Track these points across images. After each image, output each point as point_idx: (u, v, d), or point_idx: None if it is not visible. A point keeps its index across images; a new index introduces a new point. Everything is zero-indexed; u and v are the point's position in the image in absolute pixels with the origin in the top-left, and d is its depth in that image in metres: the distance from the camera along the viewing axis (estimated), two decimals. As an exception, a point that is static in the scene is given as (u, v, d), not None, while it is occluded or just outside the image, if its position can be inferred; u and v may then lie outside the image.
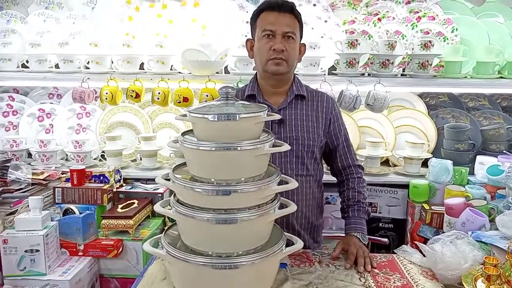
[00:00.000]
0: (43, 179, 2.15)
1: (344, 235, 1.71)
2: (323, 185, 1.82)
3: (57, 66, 2.62)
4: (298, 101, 1.72)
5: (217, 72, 2.52)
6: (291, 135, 1.67)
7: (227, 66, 2.59)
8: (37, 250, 1.70)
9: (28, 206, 1.81)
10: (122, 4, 2.69)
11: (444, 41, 2.55)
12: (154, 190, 2.26)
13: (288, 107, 1.70)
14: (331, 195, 2.48)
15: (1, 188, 1.96)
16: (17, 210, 1.89)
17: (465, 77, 2.50)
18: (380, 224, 2.48)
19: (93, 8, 2.74)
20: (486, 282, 1.31)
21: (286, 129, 1.67)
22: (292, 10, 1.62)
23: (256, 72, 1.76)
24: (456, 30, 2.57)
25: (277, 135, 1.63)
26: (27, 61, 2.64)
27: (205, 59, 2.37)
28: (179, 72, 2.57)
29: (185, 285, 1.23)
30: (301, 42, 1.70)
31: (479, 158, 2.39)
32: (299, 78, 1.78)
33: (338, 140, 1.76)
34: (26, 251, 1.70)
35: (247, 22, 2.62)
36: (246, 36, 2.60)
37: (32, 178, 2.11)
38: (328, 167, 1.87)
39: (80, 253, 1.88)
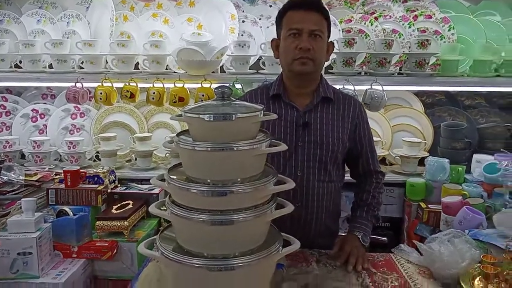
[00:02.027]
0: (36, 181, 2.12)
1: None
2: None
3: (50, 66, 2.60)
4: (324, 104, 1.65)
5: (213, 72, 2.50)
6: (315, 139, 1.61)
7: (223, 65, 2.58)
8: (30, 253, 1.68)
9: (20, 208, 1.78)
10: (117, 3, 2.67)
11: (441, 39, 2.54)
12: (149, 190, 2.24)
13: (314, 110, 1.63)
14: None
15: (-6, 190, 1.93)
16: (9, 212, 1.87)
17: (462, 75, 2.50)
18: (378, 223, 2.47)
19: (87, 8, 2.71)
20: (483, 280, 1.31)
21: (311, 133, 1.61)
22: (319, 8, 1.56)
23: (282, 72, 1.69)
24: (453, 28, 2.56)
25: (301, 139, 1.61)
26: (20, 61, 2.61)
27: (200, 59, 2.35)
28: (175, 72, 2.55)
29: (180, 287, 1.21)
30: (329, 41, 1.63)
31: (476, 156, 2.39)
32: (326, 79, 1.71)
33: (363, 146, 1.71)
34: (18, 253, 1.67)
35: (243, 21, 2.62)
36: (242, 35, 2.59)
37: (25, 180, 2.08)
38: (348, 169, 1.83)
39: (74, 255, 1.86)
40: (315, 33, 1.53)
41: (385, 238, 2.37)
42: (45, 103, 2.84)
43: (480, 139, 2.55)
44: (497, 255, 1.42)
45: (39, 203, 2.00)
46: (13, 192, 1.98)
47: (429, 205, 2.18)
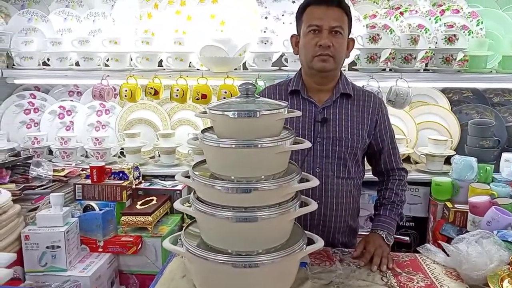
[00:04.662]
0: (63, 176, 2.18)
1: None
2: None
3: (77, 63, 2.65)
4: (343, 100, 1.63)
5: (236, 69, 2.51)
6: (334, 135, 1.59)
7: (245, 62, 2.58)
8: (58, 246, 1.72)
9: (49, 202, 1.84)
10: (141, 1, 2.70)
11: (469, 34, 2.48)
12: (172, 187, 2.27)
13: (333, 105, 1.61)
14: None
15: (23, 185, 1.98)
16: (38, 206, 1.92)
17: (491, 71, 2.43)
18: (401, 222, 2.43)
19: (112, 6, 2.75)
20: (513, 283, 1.28)
21: (330, 129, 1.59)
22: (340, 3, 1.53)
23: (301, 68, 1.68)
24: (481, 23, 2.49)
25: (319, 135, 1.59)
26: (48, 59, 2.67)
27: (223, 56, 2.35)
28: (198, 69, 2.57)
29: (204, 283, 1.22)
30: (350, 37, 1.61)
31: (505, 155, 2.33)
32: (345, 75, 1.70)
33: (384, 142, 1.68)
34: (47, 247, 1.72)
35: (265, 17, 2.62)
36: (265, 31, 2.59)
37: (53, 175, 2.13)
38: (370, 167, 1.80)
39: (100, 249, 1.90)
40: (335, 30, 1.51)
41: (408, 238, 2.33)
42: (71, 100, 2.90)
43: (509, 137, 2.48)
44: (527, 257, 1.38)
45: (66, 198, 2.05)
46: (42, 187, 2.03)
47: (455, 205, 2.13)
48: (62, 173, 2.20)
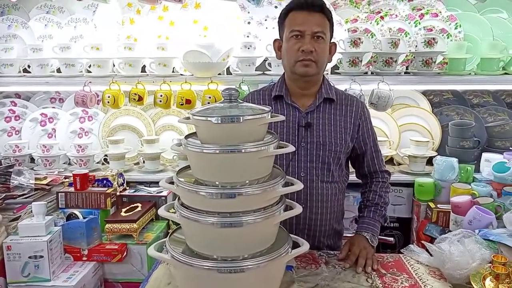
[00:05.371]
0: (46, 184, 2.15)
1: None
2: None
3: (58, 70, 2.62)
4: (326, 104, 1.65)
5: (219, 74, 2.51)
6: (318, 140, 1.61)
7: (229, 67, 2.58)
8: (41, 256, 1.70)
9: (31, 211, 1.81)
10: (124, 7, 2.68)
11: (448, 38, 2.53)
12: (157, 193, 2.26)
13: (316, 110, 1.63)
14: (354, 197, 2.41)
15: (4, 194, 1.95)
16: (20, 216, 1.89)
17: (469, 73, 2.48)
18: (385, 223, 2.46)
19: (94, 11, 2.73)
20: (494, 281, 1.30)
21: (313, 134, 1.61)
22: (322, 9, 1.54)
23: (284, 73, 1.70)
24: (460, 26, 2.54)
25: (303, 140, 1.60)
26: (28, 66, 2.64)
27: (207, 61, 2.35)
28: (181, 74, 2.56)
29: (190, 290, 1.22)
30: (332, 41, 1.63)
31: (485, 155, 2.37)
32: (328, 79, 1.71)
33: (367, 145, 1.70)
34: (30, 257, 1.70)
35: (248, 22, 2.62)
36: (248, 36, 2.60)
37: (35, 183, 2.10)
38: (353, 169, 1.82)
39: (84, 258, 1.88)
40: (317, 35, 1.53)
41: (392, 239, 2.36)
42: (53, 107, 2.86)
43: (489, 137, 2.53)
44: (507, 255, 1.41)
45: (49, 207, 2.02)
46: (24, 196, 2.00)
47: (438, 205, 2.16)
48: (45, 181, 2.17)
